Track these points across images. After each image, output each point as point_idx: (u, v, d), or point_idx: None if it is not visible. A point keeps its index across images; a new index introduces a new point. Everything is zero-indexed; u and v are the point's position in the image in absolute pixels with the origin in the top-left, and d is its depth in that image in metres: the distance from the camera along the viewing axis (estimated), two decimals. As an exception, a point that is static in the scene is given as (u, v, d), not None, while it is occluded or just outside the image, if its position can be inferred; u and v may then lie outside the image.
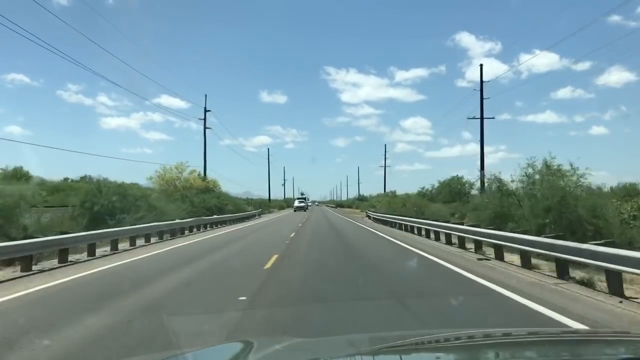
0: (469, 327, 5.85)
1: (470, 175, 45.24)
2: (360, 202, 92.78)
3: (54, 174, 54.62)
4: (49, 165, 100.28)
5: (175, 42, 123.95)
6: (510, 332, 3.03)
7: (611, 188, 23.72)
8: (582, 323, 6.20)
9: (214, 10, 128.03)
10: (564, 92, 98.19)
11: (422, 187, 47.92)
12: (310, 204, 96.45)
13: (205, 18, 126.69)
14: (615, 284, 8.06)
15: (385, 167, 73.00)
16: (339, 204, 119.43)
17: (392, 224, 30.47)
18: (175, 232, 23.65)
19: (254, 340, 2.37)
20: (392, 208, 41.86)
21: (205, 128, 44.34)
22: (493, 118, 37.60)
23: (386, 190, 69.70)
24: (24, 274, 11.36)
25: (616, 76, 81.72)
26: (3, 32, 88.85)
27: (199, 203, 33.71)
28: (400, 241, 19.52)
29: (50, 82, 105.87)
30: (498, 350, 2.19)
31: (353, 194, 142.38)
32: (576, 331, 4.44)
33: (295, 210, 71.38)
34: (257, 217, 50.41)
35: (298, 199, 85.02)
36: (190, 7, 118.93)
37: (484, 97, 34.97)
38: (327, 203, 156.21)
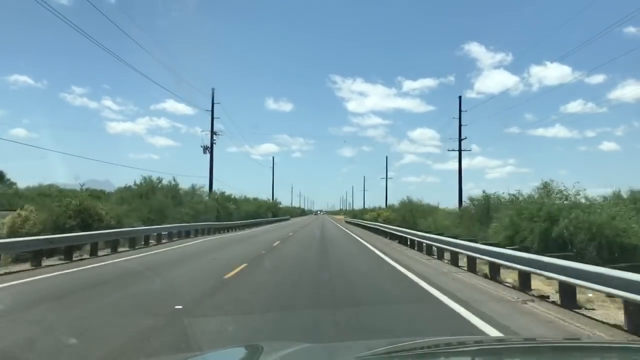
0: None
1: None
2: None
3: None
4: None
5: (180, 46, 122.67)
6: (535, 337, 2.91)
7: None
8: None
9: (219, 14, 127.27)
10: (575, 106, 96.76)
11: None
12: None
13: (210, 23, 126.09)
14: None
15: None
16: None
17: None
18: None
19: (263, 344, 2.35)
20: None
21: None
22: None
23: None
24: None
25: (630, 90, 80.00)
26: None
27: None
28: None
29: (54, 84, 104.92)
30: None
31: (357, 204, 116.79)
32: (577, 338, 4.43)
33: None
34: None
35: None
36: (194, 12, 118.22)
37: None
38: (350, 214, 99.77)
